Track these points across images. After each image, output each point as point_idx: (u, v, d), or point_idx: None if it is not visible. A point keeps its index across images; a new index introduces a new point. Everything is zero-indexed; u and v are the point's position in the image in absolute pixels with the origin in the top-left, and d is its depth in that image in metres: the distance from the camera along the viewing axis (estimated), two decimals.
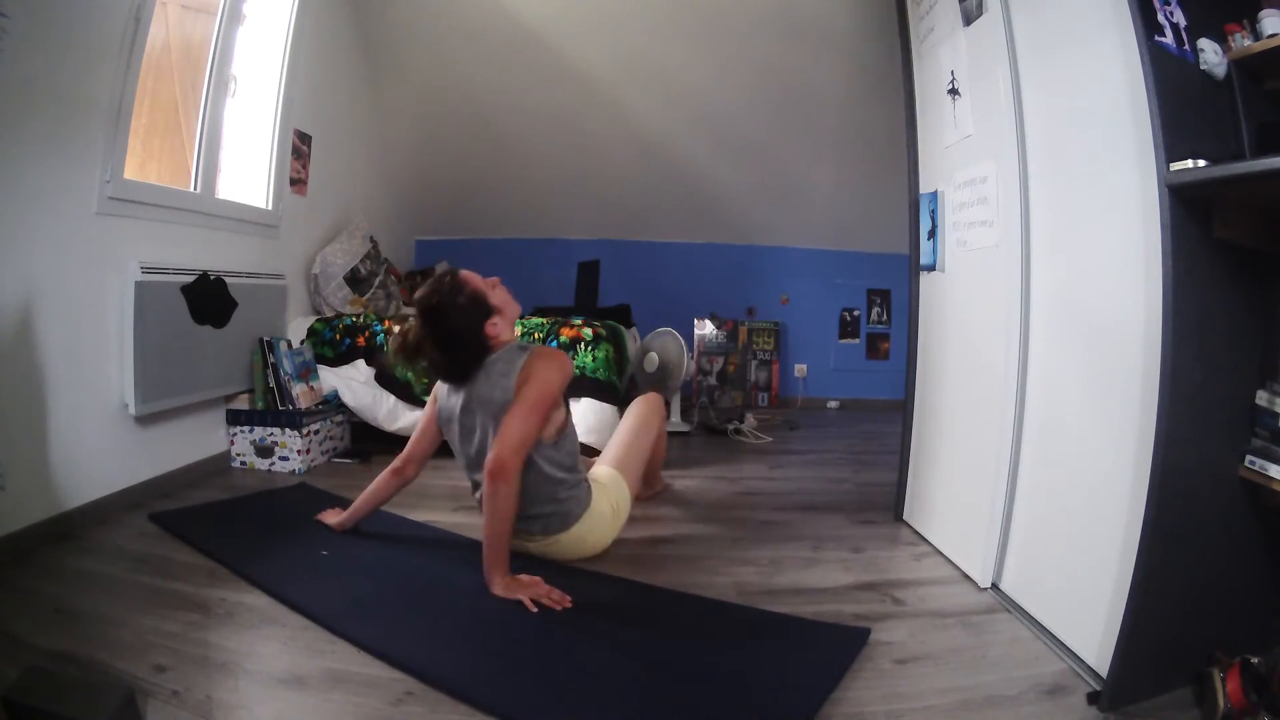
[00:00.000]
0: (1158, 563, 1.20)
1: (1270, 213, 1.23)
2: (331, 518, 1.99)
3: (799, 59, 3.51)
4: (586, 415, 2.73)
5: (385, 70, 3.74)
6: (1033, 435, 1.66)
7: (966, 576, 1.82)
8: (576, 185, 4.33)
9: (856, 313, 4.73)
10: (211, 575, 1.70)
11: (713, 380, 4.59)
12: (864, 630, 1.48)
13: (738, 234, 4.64)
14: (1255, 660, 1.16)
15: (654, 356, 3.45)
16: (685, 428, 3.70)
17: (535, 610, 1.51)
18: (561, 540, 1.82)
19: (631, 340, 3.47)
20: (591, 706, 1.22)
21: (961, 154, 1.95)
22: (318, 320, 3.08)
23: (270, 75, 2.91)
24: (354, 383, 2.92)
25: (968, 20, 1.86)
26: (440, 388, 1.89)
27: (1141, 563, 1.21)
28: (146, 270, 2.18)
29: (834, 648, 1.42)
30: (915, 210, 2.20)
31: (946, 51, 1.99)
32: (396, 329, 1.80)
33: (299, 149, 3.12)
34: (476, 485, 1.83)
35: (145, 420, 2.26)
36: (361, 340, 2.98)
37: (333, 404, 2.88)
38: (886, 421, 3.75)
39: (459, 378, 1.79)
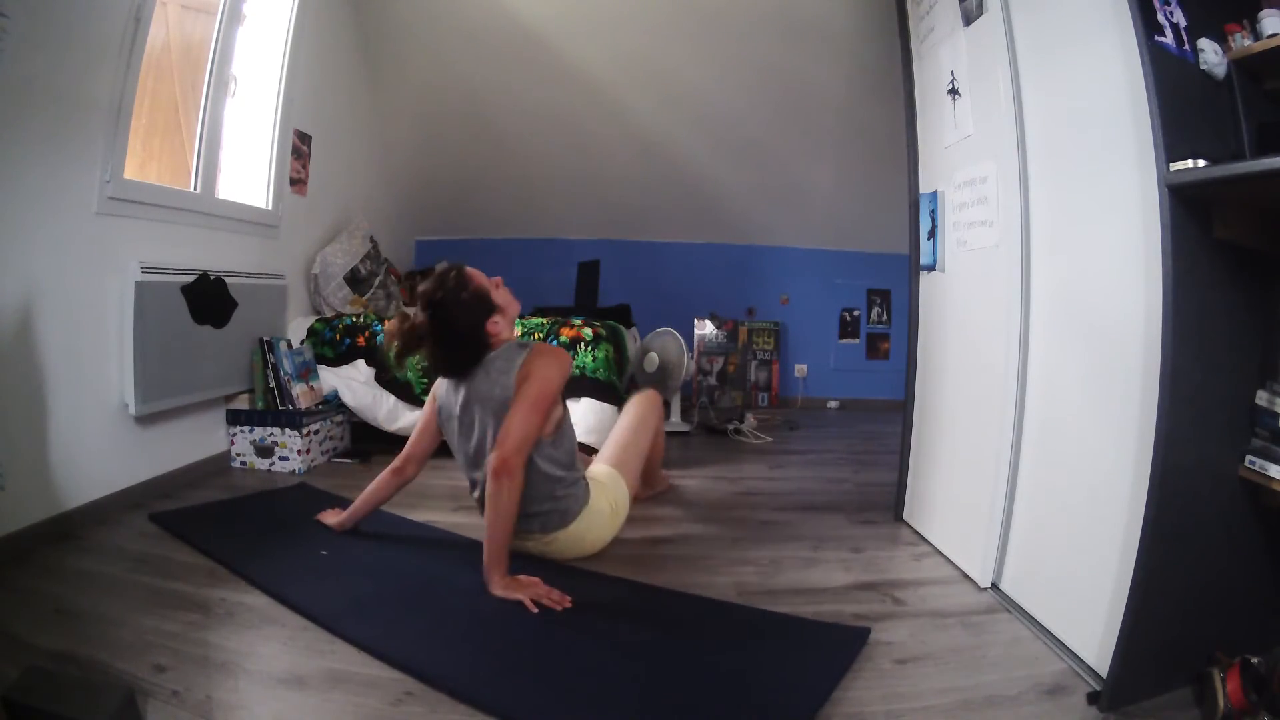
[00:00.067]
0: (1158, 563, 1.20)
1: (1270, 213, 1.23)
2: (331, 518, 1.99)
3: (799, 59, 3.51)
4: (586, 415, 2.73)
5: (385, 70, 3.74)
6: (1033, 435, 1.66)
7: (966, 576, 1.82)
8: (576, 185, 4.33)
9: (856, 313, 4.73)
10: (211, 575, 1.70)
11: (713, 380, 4.59)
12: (864, 630, 1.48)
13: (738, 234, 4.64)
14: (1255, 660, 1.16)
15: (654, 356, 3.45)
16: (685, 428, 3.70)
17: (535, 611, 1.51)
18: (560, 538, 1.82)
19: (631, 340, 3.47)
20: (591, 706, 1.22)
21: (961, 154, 1.95)
22: (318, 320, 3.08)
23: (270, 75, 2.91)
24: (354, 383, 2.92)
25: (968, 20, 1.86)
26: (439, 386, 1.90)
27: (1141, 563, 1.21)
28: (146, 270, 2.18)
29: (834, 648, 1.42)
30: (915, 210, 2.20)
31: (946, 51, 1.99)
32: (396, 316, 1.78)
33: (299, 149, 3.12)
34: (475, 484, 1.83)
35: (145, 420, 2.26)
36: (361, 340, 2.98)
37: (333, 404, 2.88)
38: (886, 421, 3.75)
39: (457, 373, 1.79)
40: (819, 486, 2.71)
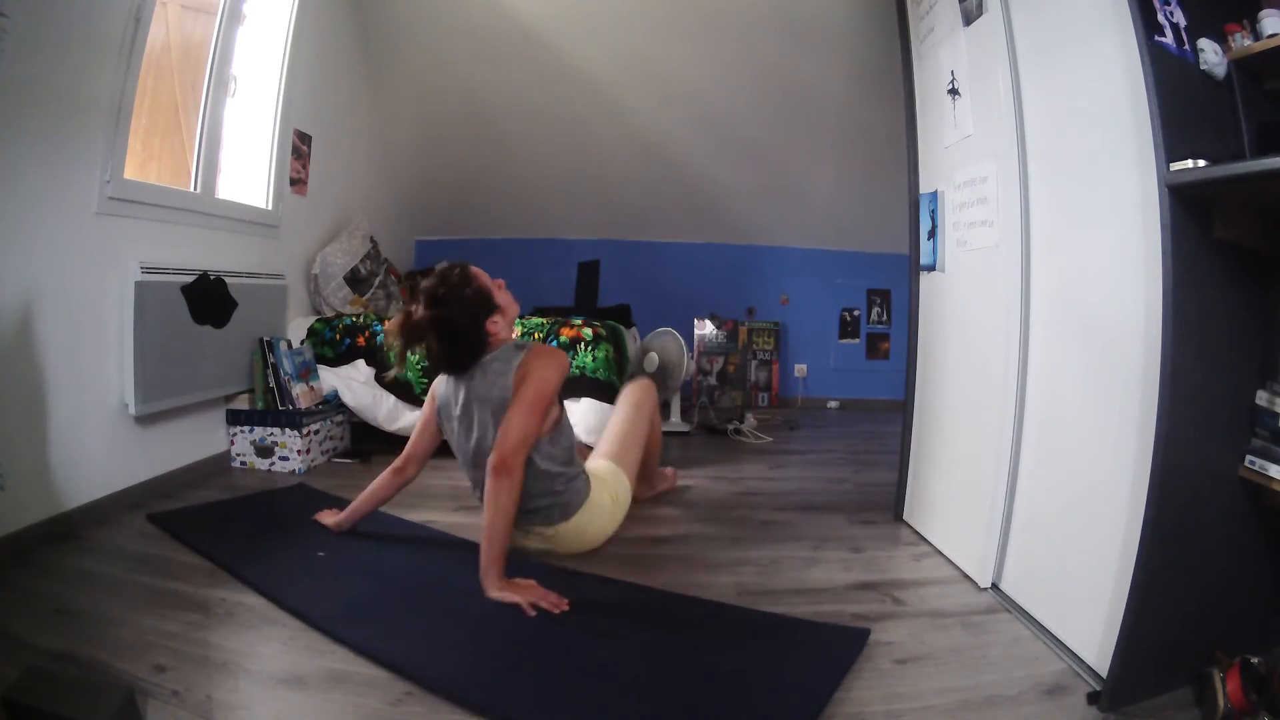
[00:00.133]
0: (1158, 563, 1.20)
1: (1270, 213, 1.23)
2: (328, 518, 1.99)
3: (799, 59, 3.51)
4: (587, 415, 2.73)
5: (385, 70, 3.74)
6: (1033, 435, 1.66)
7: (966, 576, 1.82)
8: (576, 185, 4.33)
9: (856, 313, 4.73)
10: (211, 575, 1.70)
11: (713, 380, 4.59)
12: (864, 631, 1.48)
13: (738, 234, 4.64)
14: (1255, 660, 1.16)
15: (654, 356, 3.45)
16: (685, 428, 3.70)
17: (533, 614, 1.50)
18: (562, 530, 1.83)
19: (631, 340, 3.47)
20: (590, 708, 1.21)
21: (961, 154, 1.95)
22: (318, 320, 3.08)
23: (270, 75, 2.91)
24: (354, 383, 2.92)
25: (968, 20, 1.86)
26: (438, 386, 1.90)
27: (1141, 563, 1.21)
28: (146, 270, 2.18)
29: (834, 649, 1.42)
30: (915, 210, 2.20)
31: (946, 51, 1.99)
32: (398, 314, 1.79)
33: (299, 149, 3.12)
34: (476, 483, 1.84)
35: (145, 420, 2.26)
36: (361, 340, 2.98)
37: (333, 404, 2.88)
38: (886, 421, 3.75)
39: (455, 369, 1.80)
40: (819, 486, 2.71)
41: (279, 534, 1.95)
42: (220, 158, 2.67)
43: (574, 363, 2.81)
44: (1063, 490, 1.55)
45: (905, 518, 2.26)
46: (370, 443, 2.96)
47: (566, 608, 1.52)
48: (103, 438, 2.11)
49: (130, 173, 2.17)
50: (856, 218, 4.38)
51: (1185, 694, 1.27)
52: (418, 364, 2.88)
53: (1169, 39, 1.24)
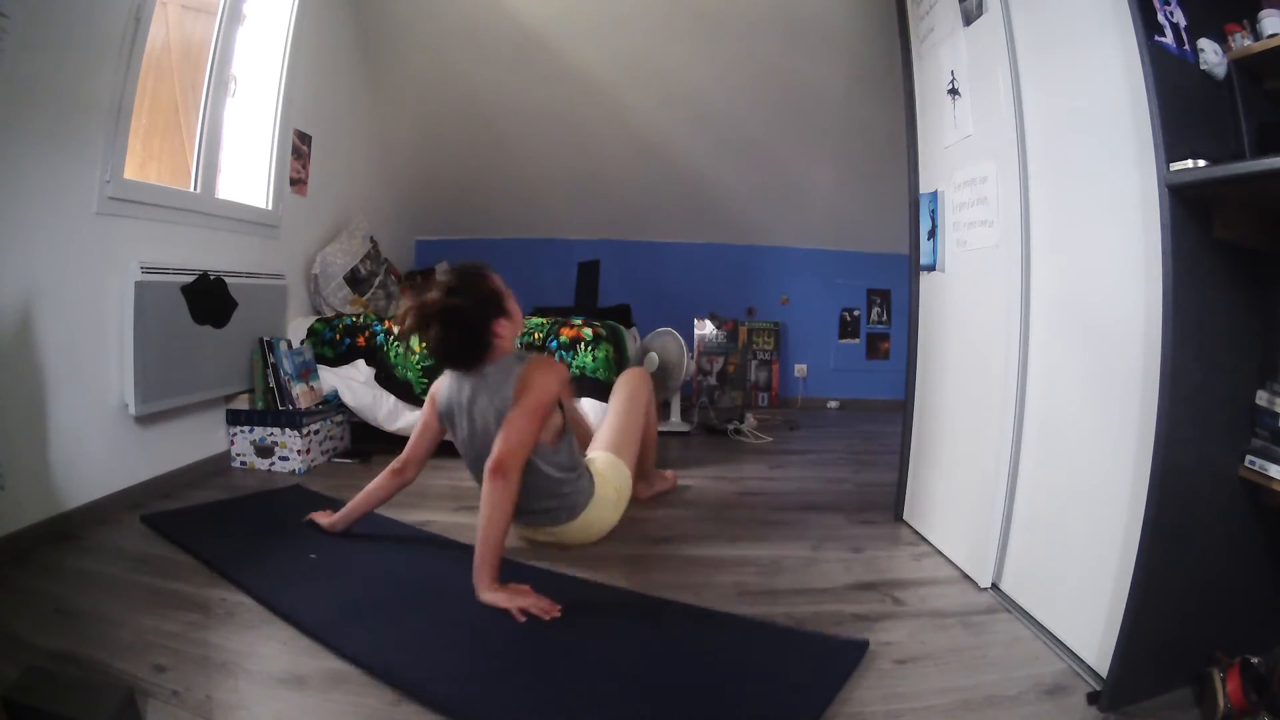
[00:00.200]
0: (1158, 563, 1.20)
1: (1270, 213, 1.23)
2: (323, 519, 1.98)
3: (799, 59, 3.51)
4: (586, 415, 2.73)
5: (385, 70, 3.74)
6: (1033, 435, 1.66)
7: (966, 576, 1.82)
8: (576, 185, 4.33)
9: (856, 313, 4.73)
10: (212, 575, 1.70)
11: (713, 380, 4.59)
12: (863, 641, 1.44)
13: (738, 234, 4.64)
14: (1255, 660, 1.16)
15: (654, 356, 3.45)
16: (685, 428, 3.70)
17: (523, 620, 1.48)
18: (569, 528, 1.90)
19: (631, 340, 3.47)
20: (584, 717, 1.20)
21: (961, 154, 1.95)
22: (318, 320, 3.08)
23: (270, 75, 2.91)
24: (354, 383, 2.92)
25: (968, 20, 1.86)
26: (439, 390, 1.91)
27: (1141, 563, 1.20)
28: (146, 270, 2.18)
29: (830, 660, 1.38)
30: (915, 210, 2.20)
31: (946, 51, 1.99)
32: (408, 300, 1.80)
33: (299, 149, 3.12)
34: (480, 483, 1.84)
35: (145, 420, 2.26)
36: (361, 340, 2.98)
37: (333, 404, 2.88)
38: (886, 421, 3.75)
39: (457, 364, 1.81)
40: (819, 486, 2.71)
41: (271, 536, 1.93)
42: (220, 158, 2.67)
43: (574, 363, 2.82)
44: (1063, 490, 1.55)
45: (905, 518, 2.26)
46: (370, 443, 2.96)
47: (558, 614, 1.50)
48: (102, 438, 2.11)
49: (130, 173, 2.17)
50: (856, 218, 4.38)
51: (1185, 694, 1.27)
52: (418, 364, 2.88)
53: (1169, 39, 1.24)
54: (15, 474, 1.76)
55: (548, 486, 1.83)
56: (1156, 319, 1.21)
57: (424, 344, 1.79)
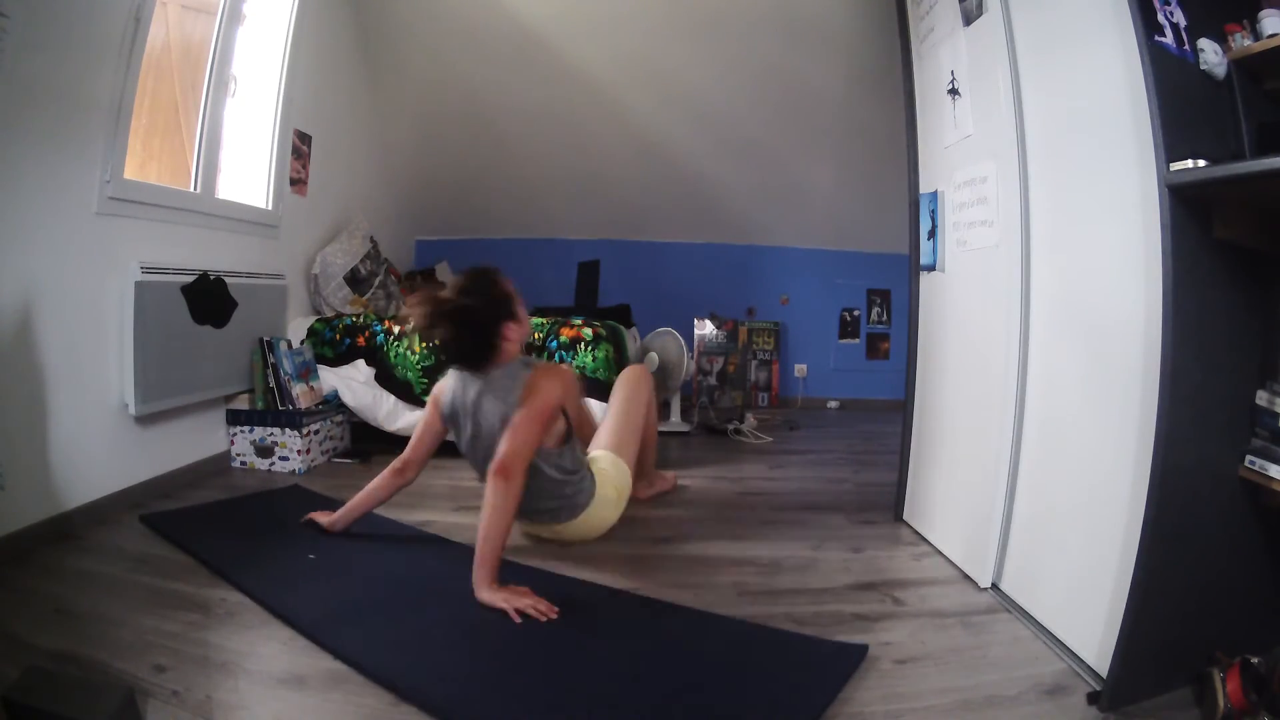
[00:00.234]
0: (1158, 563, 1.20)
1: (1270, 213, 1.23)
2: (322, 518, 1.98)
3: (799, 59, 3.51)
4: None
5: (385, 70, 3.74)
6: (1033, 435, 1.66)
7: (966, 576, 1.82)
8: (576, 185, 4.33)
9: (856, 313, 4.73)
10: (212, 575, 1.70)
11: (713, 380, 4.59)
12: (862, 646, 1.43)
13: (738, 234, 4.64)
14: (1255, 660, 1.16)
15: (654, 356, 3.45)
16: (685, 428, 3.70)
17: (519, 621, 1.48)
18: (570, 526, 1.94)
19: (631, 340, 3.47)
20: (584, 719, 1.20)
21: (961, 154, 1.95)
22: (318, 320, 3.08)
23: (270, 75, 2.91)
24: (354, 383, 2.92)
25: (968, 20, 1.86)
26: (442, 392, 1.92)
27: (1141, 563, 1.21)
28: (146, 270, 2.18)
29: (829, 663, 1.38)
30: (915, 210, 2.20)
31: (946, 51, 1.99)
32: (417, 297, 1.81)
33: (299, 149, 3.12)
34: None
35: (145, 420, 2.26)
36: (361, 340, 2.98)
37: (333, 404, 2.88)
38: (886, 421, 3.75)
39: (464, 364, 1.83)
40: (819, 486, 2.71)
41: (270, 537, 1.93)
42: (220, 158, 2.67)
43: (574, 363, 2.82)
44: (1063, 490, 1.55)
45: (905, 518, 2.26)
46: (370, 443, 2.96)
47: (555, 616, 1.50)
48: (102, 438, 2.11)
49: (130, 173, 2.17)
50: (856, 218, 4.38)
51: (1185, 694, 1.27)
52: (418, 364, 2.88)
53: (1169, 39, 1.24)
54: (15, 474, 1.76)
55: (551, 488, 1.86)
56: (1156, 319, 1.21)
57: (433, 341, 1.80)
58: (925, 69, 2.14)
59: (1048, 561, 1.59)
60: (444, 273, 4.30)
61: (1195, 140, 1.19)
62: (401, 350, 2.92)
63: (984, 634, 1.53)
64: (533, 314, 3.34)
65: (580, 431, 2.03)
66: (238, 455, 2.69)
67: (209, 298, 2.46)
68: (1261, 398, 1.25)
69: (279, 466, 2.65)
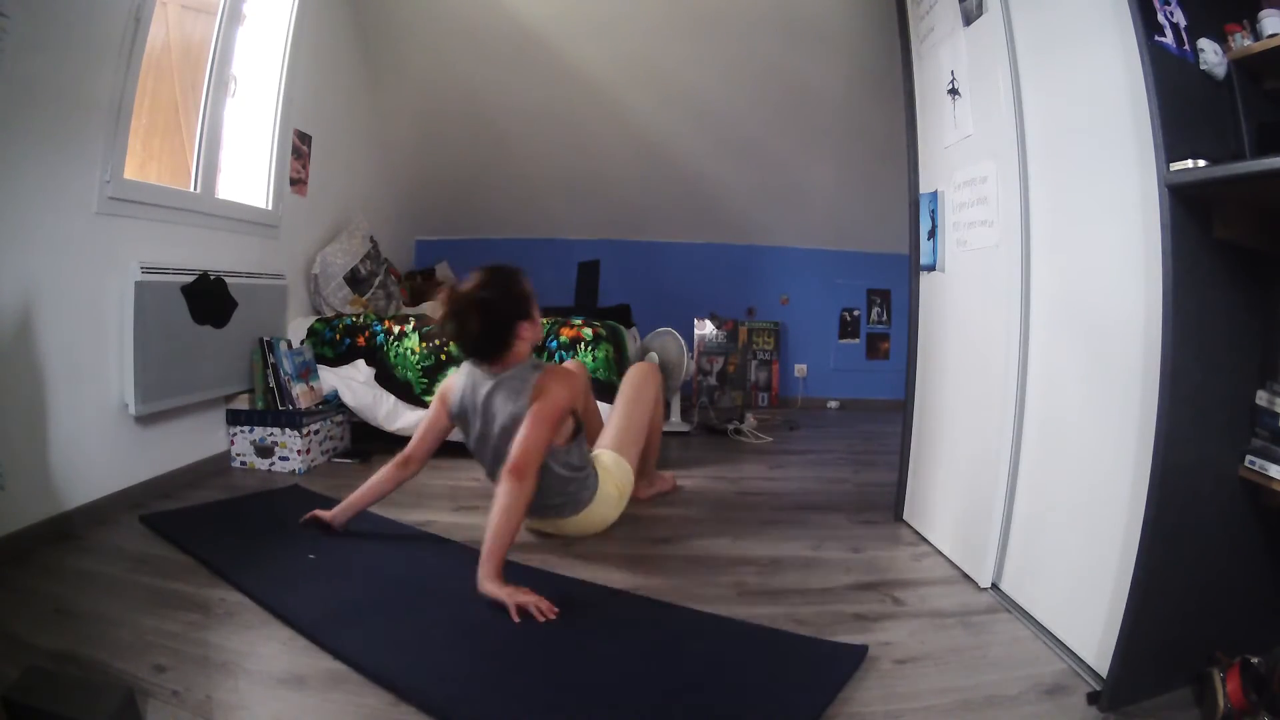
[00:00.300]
0: (1158, 563, 1.20)
1: (1270, 213, 1.23)
2: (323, 514, 1.96)
3: (799, 59, 3.51)
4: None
5: (385, 70, 3.74)
6: (1033, 435, 1.66)
7: (966, 576, 1.82)
8: (576, 185, 4.33)
9: (856, 313, 4.73)
10: (212, 575, 1.70)
11: (713, 380, 4.59)
12: (861, 648, 1.42)
13: (738, 234, 4.64)
14: (1255, 660, 1.16)
15: (654, 356, 3.45)
16: (685, 428, 3.70)
17: (519, 618, 1.48)
18: (572, 521, 1.97)
19: (631, 340, 3.47)
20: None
21: (961, 154, 1.95)
22: (318, 320, 3.08)
23: (270, 75, 2.91)
24: (354, 383, 2.92)
25: (968, 20, 1.86)
26: (450, 392, 1.94)
27: (1141, 563, 1.20)
28: (146, 270, 2.18)
29: (829, 664, 1.37)
30: (915, 210, 2.20)
31: (946, 51, 1.99)
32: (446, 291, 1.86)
33: (299, 149, 3.12)
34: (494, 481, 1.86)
35: (145, 420, 2.26)
36: (361, 340, 2.98)
37: (333, 404, 2.88)
38: (886, 421, 3.75)
39: (478, 356, 1.86)
40: (819, 486, 2.71)
41: (272, 536, 1.93)
42: (220, 158, 2.67)
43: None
44: (1063, 490, 1.55)
45: (905, 518, 2.26)
46: (370, 442, 2.96)
47: (554, 615, 1.50)
48: (102, 438, 2.11)
49: (130, 173, 2.17)
50: (856, 218, 4.38)
51: (1185, 694, 1.27)
52: (418, 364, 2.89)
53: (1169, 39, 1.24)
54: (15, 474, 1.76)
55: (558, 485, 1.89)
56: (1156, 319, 1.21)
57: (449, 332, 1.81)
58: (925, 69, 2.14)
59: (1048, 561, 1.59)
60: (444, 273, 4.30)
61: (1195, 140, 1.19)
62: (401, 350, 2.92)
63: (984, 634, 1.53)
64: None
65: (587, 428, 2.05)
66: (238, 455, 2.69)
67: (209, 298, 2.46)
68: (1261, 398, 1.25)
69: (279, 466, 2.65)
